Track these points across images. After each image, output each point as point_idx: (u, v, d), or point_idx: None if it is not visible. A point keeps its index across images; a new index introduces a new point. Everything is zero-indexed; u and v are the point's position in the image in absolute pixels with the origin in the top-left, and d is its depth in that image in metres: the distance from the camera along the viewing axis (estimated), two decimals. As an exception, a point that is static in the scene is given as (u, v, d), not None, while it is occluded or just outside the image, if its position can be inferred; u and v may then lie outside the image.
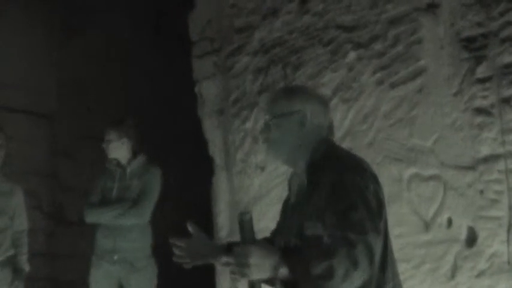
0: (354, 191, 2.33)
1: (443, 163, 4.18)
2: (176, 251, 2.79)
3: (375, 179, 2.47)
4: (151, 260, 5.16)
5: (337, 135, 2.96)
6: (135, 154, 5.23)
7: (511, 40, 3.97)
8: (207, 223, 5.07)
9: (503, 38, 3.99)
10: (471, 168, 4.06)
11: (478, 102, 4.06)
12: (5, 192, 5.15)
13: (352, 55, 4.66)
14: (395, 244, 2.61)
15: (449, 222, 4.15)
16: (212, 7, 5.63)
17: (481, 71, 4.06)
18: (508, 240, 3.89)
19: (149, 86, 8.09)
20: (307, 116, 2.59)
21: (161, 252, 5.23)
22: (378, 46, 4.53)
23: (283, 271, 2.15)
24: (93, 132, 6.03)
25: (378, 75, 4.51)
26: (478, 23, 4.09)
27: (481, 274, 3.99)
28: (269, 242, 2.67)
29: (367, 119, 4.55)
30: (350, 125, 4.62)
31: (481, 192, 4.01)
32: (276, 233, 2.84)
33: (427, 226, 4.22)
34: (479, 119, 4.04)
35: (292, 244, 2.50)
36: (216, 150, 5.49)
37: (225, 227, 5.32)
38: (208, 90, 5.54)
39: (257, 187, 5.11)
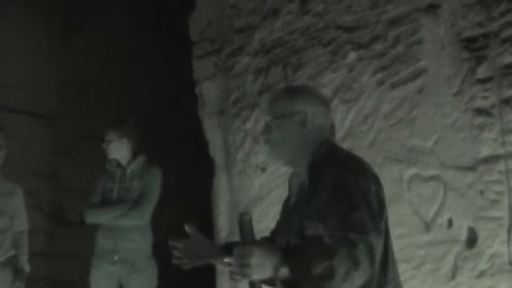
0: (355, 192, 2.33)
1: (444, 164, 4.18)
2: (175, 253, 2.78)
3: (376, 180, 2.47)
4: (152, 260, 5.15)
5: (338, 136, 2.95)
6: (135, 155, 5.22)
7: (512, 40, 3.98)
8: (207, 224, 5.07)
9: (503, 38, 3.99)
10: (471, 168, 4.06)
11: (479, 103, 4.06)
12: (5, 193, 5.15)
13: (352, 56, 4.66)
14: (396, 245, 2.60)
15: (450, 222, 4.15)
16: (212, 7, 5.63)
17: (482, 72, 4.06)
18: (508, 241, 3.89)
19: (149, 86, 8.09)
20: (308, 116, 2.58)
21: (161, 252, 5.23)
22: (378, 46, 4.53)
23: (284, 271, 2.15)
24: (93, 133, 6.03)
25: (378, 75, 4.51)
26: (479, 23, 4.09)
27: (481, 275, 3.99)
28: (268, 242, 2.68)
29: (367, 119, 4.55)
30: (350, 126, 4.62)
31: (482, 192, 4.01)
32: (275, 232, 2.83)
33: (427, 227, 4.22)
34: (479, 120, 4.04)
35: (292, 244, 2.50)
36: (216, 150, 5.49)
37: (225, 228, 5.32)
38: (209, 90, 5.55)
39: (257, 188, 5.10)
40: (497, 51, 4.01)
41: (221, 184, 5.41)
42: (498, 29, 4.02)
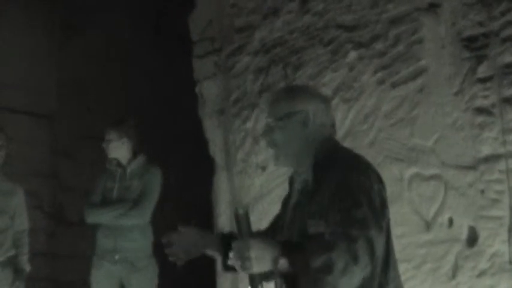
0: (358, 190, 2.33)
1: (444, 163, 4.18)
2: (168, 249, 2.75)
3: (379, 179, 2.47)
4: (152, 259, 5.15)
5: (338, 135, 2.95)
6: (135, 154, 5.23)
7: (512, 40, 3.98)
8: (207, 223, 5.07)
9: (504, 37, 3.99)
10: (472, 168, 4.06)
11: (479, 102, 4.06)
12: (5, 192, 5.15)
13: (352, 55, 4.66)
14: (397, 244, 2.60)
15: (450, 222, 4.15)
16: (213, 7, 5.63)
17: (482, 71, 4.06)
18: (509, 240, 3.89)
19: (149, 86, 8.08)
20: (309, 115, 2.58)
21: (162, 252, 5.23)
22: (378, 46, 4.53)
23: (283, 264, 2.15)
24: (93, 132, 6.03)
25: (379, 75, 4.51)
26: (479, 22, 4.09)
27: (482, 274, 3.99)
28: (265, 235, 2.69)
29: (368, 118, 4.55)
30: (351, 125, 4.62)
31: (482, 192, 4.01)
32: (273, 227, 2.82)
33: (428, 226, 4.22)
34: (480, 119, 4.04)
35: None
36: (216, 150, 5.49)
37: (225, 227, 5.32)
38: (209, 90, 5.55)
39: (258, 187, 5.11)
40: (497, 50, 4.01)
41: (221, 183, 5.41)
42: (498, 28, 4.02)
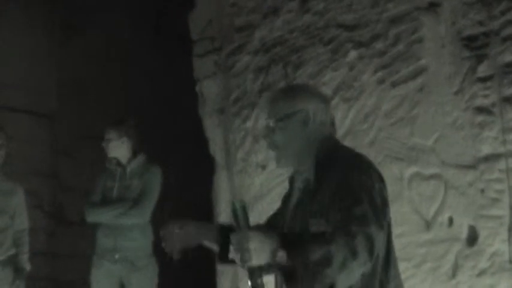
0: (359, 189, 2.33)
1: (444, 162, 4.18)
2: (165, 242, 2.72)
3: (380, 178, 2.47)
4: (152, 259, 5.16)
5: (338, 135, 2.95)
6: (135, 153, 5.23)
7: (512, 39, 3.98)
8: (207, 222, 5.07)
9: (504, 36, 4.00)
10: (472, 167, 4.06)
11: (479, 101, 4.06)
12: (5, 192, 5.15)
13: (353, 54, 4.66)
14: (397, 243, 2.60)
15: (450, 221, 4.15)
16: (213, 6, 5.63)
17: (482, 70, 4.06)
18: (509, 239, 3.90)
19: (149, 86, 8.08)
20: (309, 114, 2.57)
21: (162, 251, 5.23)
22: (378, 45, 4.53)
23: (282, 256, 2.15)
24: (93, 132, 6.03)
25: (379, 74, 4.51)
26: (479, 21, 4.09)
27: (482, 273, 3.99)
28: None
29: (368, 118, 4.56)
30: (351, 124, 4.62)
31: (482, 191, 4.01)
32: (270, 223, 2.82)
33: (428, 225, 4.22)
34: (480, 118, 4.05)
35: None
36: (216, 149, 5.49)
37: (226, 227, 5.32)
38: (209, 89, 5.55)
39: (258, 186, 5.11)
40: (497, 49, 4.01)
41: (221, 183, 5.41)
42: (499, 28, 4.02)
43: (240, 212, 2.25)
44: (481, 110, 4.05)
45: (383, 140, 4.46)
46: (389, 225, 2.51)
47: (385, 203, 2.41)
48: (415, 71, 4.35)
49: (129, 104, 7.59)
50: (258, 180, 5.12)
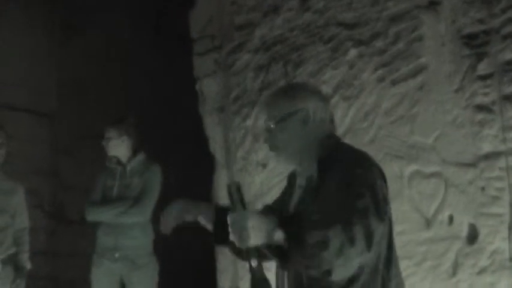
0: (361, 184, 2.33)
1: (445, 160, 4.18)
2: (161, 217, 2.69)
3: (381, 175, 2.48)
4: (153, 257, 5.16)
5: (338, 133, 2.95)
6: (135, 152, 5.24)
7: (513, 37, 3.98)
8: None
9: (504, 34, 4.00)
10: (472, 165, 4.06)
11: (479, 99, 4.06)
12: (6, 191, 5.15)
13: (353, 52, 4.66)
14: (397, 241, 2.61)
15: (451, 219, 4.15)
16: (213, 4, 5.63)
17: (482, 68, 4.06)
18: (509, 237, 3.89)
19: (149, 86, 8.08)
20: (309, 113, 2.58)
21: (162, 249, 5.24)
22: (378, 43, 4.53)
23: (279, 236, 2.15)
24: (93, 132, 6.03)
25: (379, 72, 4.51)
26: (480, 20, 4.09)
27: (482, 271, 3.99)
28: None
29: (368, 116, 4.55)
30: (351, 123, 4.62)
31: (482, 189, 4.01)
32: (265, 211, 2.81)
33: (428, 223, 4.22)
34: (480, 116, 4.04)
35: None
36: (217, 147, 5.49)
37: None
38: (209, 87, 5.54)
39: (258, 185, 5.10)
40: (498, 47, 4.01)
41: (221, 181, 5.40)
42: (499, 26, 4.02)
43: (236, 193, 2.27)
44: (481, 108, 4.05)
45: (383, 138, 4.46)
46: (390, 224, 2.51)
47: (385, 201, 2.41)
48: (415, 69, 4.35)
49: (129, 104, 7.59)
50: (258, 179, 5.12)
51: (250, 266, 2.26)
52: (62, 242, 7.35)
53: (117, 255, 5.02)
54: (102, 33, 7.88)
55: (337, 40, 4.76)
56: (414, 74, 4.35)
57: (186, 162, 7.72)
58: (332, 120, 2.70)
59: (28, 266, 5.21)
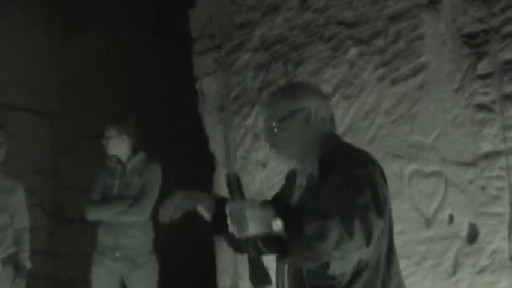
0: (362, 182, 2.32)
1: (445, 159, 4.18)
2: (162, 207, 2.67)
3: (382, 174, 2.48)
4: (153, 256, 5.17)
5: (338, 132, 2.95)
6: (135, 151, 5.24)
7: (513, 36, 3.98)
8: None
9: (504, 34, 3.99)
10: (472, 164, 4.06)
11: (480, 99, 4.06)
12: (6, 190, 5.16)
13: (353, 51, 4.66)
14: (397, 241, 2.60)
15: (451, 218, 4.15)
16: (213, 4, 5.64)
17: (483, 67, 4.06)
18: (509, 237, 3.89)
19: (149, 86, 8.07)
20: (311, 111, 2.58)
21: (162, 248, 5.24)
22: (379, 42, 4.53)
23: (278, 226, 2.14)
24: (93, 132, 6.03)
25: (379, 71, 4.51)
26: (480, 19, 4.08)
27: (482, 270, 3.99)
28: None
29: (368, 115, 4.55)
30: (351, 122, 4.62)
31: (483, 188, 4.01)
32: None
33: (428, 222, 4.22)
34: (480, 115, 4.04)
35: None
36: (216, 147, 5.49)
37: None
38: (209, 86, 5.55)
39: (258, 184, 5.10)
40: (498, 47, 4.01)
41: (221, 181, 5.39)
42: (499, 25, 4.02)
43: (234, 184, 2.27)
44: (481, 107, 4.05)
45: (383, 138, 4.46)
46: (390, 223, 2.51)
47: (385, 199, 2.41)
48: (415, 69, 4.35)
49: (129, 104, 7.58)
50: (258, 178, 5.12)
51: (249, 256, 2.25)
52: (62, 242, 7.35)
53: (117, 254, 5.03)
54: (102, 33, 7.87)
55: (337, 39, 4.76)
56: (414, 73, 4.35)
57: (186, 162, 7.71)
58: (332, 119, 2.70)
59: (28, 265, 5.22)
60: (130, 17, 8.18)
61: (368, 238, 2.20)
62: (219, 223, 2.47)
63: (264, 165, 5.09)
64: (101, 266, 5.08)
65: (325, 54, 4.81)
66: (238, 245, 2.53)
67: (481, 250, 4.00)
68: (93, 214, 5.11)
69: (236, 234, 2.17)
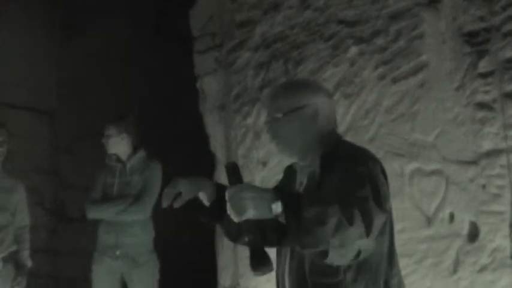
0: (363, 177, 2.31)
1: (445, 158, 4.18)
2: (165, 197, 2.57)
3: (383, 172, 2.47)
4: (153, 255, 5.16)
5: (339, 131, 2.95)
6: (135, 149, 5.24)
7: (513, 35, 3.98)
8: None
9: (505, 32, 4.00)
10: (473, 163, 4.06)
11: (480, 97, 4.06)
12: (6, 189, 5.15)
13: (353, 50, 4.67)
14: (398, 239, 2.60)
15: (451, 217, 4.15)
16: (213, 2, 5.65)
17: (483, 66, 4.06)
18: (510, 235, 3.89)
19: (149, 86, 8.07)
20: (318, 108, 2.57)
21: (162, 247, 5.23)
22: (379, 41, 4.53)
23: (278, 207, 2.13)
24: (93, 131, 6.04)
25: (380, 70, 4.52)
26: (480, 17, 4.09)
27: (483, 269, 3.99)
28: None
29: (368, 114, 4.56)
30: (352, 120, 4.62)
31: (483, 187, 4.01)
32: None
33: (429, 221, 4.22)
34: (481, 114, 4.04)
35: None
36: (217, 145, 5.49)
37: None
38: (210, 85, 5.55)
39: (259, 183, 5.08)
40: (498, 45, 4.01)
41: (222, 180, 5.39)
42: (500, 23, 4.02)
43: (233, 170, 2.27)
44: (482, 105, 4.05)
45: (384, 136, 4.46)
46: (391, 221, 2.51)
47: (386, 196, 2.41)
48: (415, 67, 4.35)
49: (129, 104, 7.58)
50: (258, 177, 5.12)
51: (248, 240, 2.22)
52: (62, 240, 7.35)
53: (118, 252, 5.02)
54: (102, 33, 7.88)
55: (337, 38, 4.76)
56: (415, 71, 4.35)
57: (186, 161, 7.71)
58: (335, 118, 2.70)
59: (29, 263, 5.21)
60: (130, 17, 8.19)
61: (368, 227, 2.17)
62: (217, 209, 2.47)
63: (264, 164, 5.10)
64: (101, 264, 5.08)
65: (325, 53, 4.81)
66: (235, 234, 2.53)
67: (481, 248, 4.00)
68: (94, 213, 5.10)
69: (235, 218, 2.16)
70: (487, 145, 4.01)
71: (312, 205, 2.12)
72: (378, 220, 2.25)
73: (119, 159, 5.21)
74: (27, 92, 7.35)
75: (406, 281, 2.65)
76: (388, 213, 2.44)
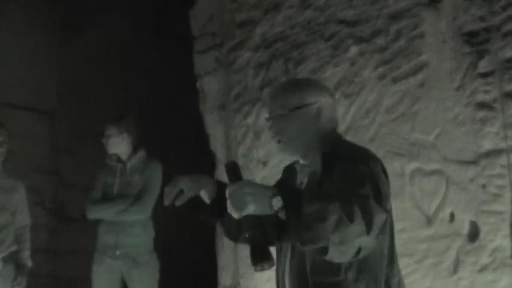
0: (364, 176, 2.31)
1: (446, 158, 4.18)
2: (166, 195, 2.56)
3: (383, 171, 2.47)
4: (154, 255, 5.16)
5: (340, 130, 2.95)
6: (135, 149, 5.23)
7: (514, 34, 3.98)
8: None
9: (505, 32, 4.00)
10: (473, 162, 4.06)
11: (480, 97, 4.06)
12: (7, 189, 5.15)
13: (354, 50, 4.67)
14: (398, 239, 2.60)
15: (452, 216, 4.15)
16: (214, 2, 5.65)
17: (483, 66, 4.06)
18: (510, 235, 3.89)
19: (149, 86, 8.07)
20: (322, 107, 2.58)
21: (162, 247, 5.23)
22: (379, 41, 4.53)
23: (278, 202, 2.13)
24: (93, 131, 6.04)
25: (380, 69, 4.52)
26: (481, 17, 4.09)
27: (483, 269, 3.99)
28: None
29: (369, 113, 4.56)
30: (352, 120, 4.62)
31: (484, 186, 4.01)
32: None
33: (429, 221, 4.22)
34: (481, 114, 4.04)
35: None
36: (217, 145, 5.50)
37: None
38: (210, 85, 5.55)
39: (259, 182, 5.09)
40: (498, 45, 4.01)
41: (222, 179, 5.39)
42: (500, 23, 4.02)
43: (233, 169, 2.27)
44: (482, 105, 4.05)
45: (384, 136, 4.47)
46: (391, 221, 2.51)
47: (387, 196, 2.40)
48: (416, 67, 4.35)
49: (129, 104, 7.58)
50: (259, 177, 5.12)
51: (249, 235, 2.22)
52: (62, 240, 7.35)
53: (118, 252, 5.02)
54: (102, 33, 7.87)
55: (338, 37, 4.76)
56: (415, 71, 4.35)
57: (186, 161, 7.70)
58: (337, 118, 2.71)
59: (29, 263, 5.21)
60: (130, 17, 8.19)
61: (368, 225, 2.17)
62: (218, 207, 2.47)
63: (264, 163, 5.10)
64: (101, 264, 5.08)
65: (325, 53, 4.82)
66: (235, 232, 2.55)
67: (482, 248, 4.00)
68: (94, 213, 5.10)
69: (236, 214, 2.16)
70: (487, 145, 4.01)
71: (313, 202, 2.11)
72: (379, 218, 2.24)
73: (119, 159, 5.21)
74: (27, 92, 7.35)
75: (406, 281, 2.65)
76: (389, 212, 2.44)
